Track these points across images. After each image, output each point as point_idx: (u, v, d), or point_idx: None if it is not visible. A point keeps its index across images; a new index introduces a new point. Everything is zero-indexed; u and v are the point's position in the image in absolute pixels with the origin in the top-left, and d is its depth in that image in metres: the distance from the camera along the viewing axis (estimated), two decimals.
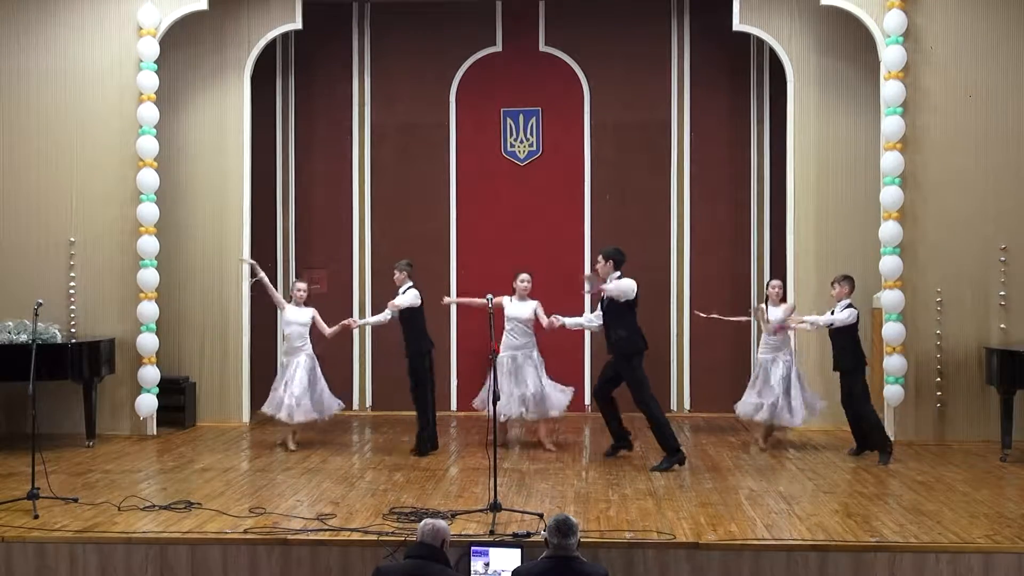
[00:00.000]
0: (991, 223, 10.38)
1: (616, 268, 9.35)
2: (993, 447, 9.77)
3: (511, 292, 10.08)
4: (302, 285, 10.28)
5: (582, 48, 12.59)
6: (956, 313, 10.41)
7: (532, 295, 10.12)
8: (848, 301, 9.49)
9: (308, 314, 10.12)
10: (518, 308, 9.99)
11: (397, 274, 10.01)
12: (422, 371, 9.83)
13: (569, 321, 9.92)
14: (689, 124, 12.49)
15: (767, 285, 10.42)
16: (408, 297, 9.82)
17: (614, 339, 9.31)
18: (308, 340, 10.07)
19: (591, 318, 9.90)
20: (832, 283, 9.69)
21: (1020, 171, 10.39)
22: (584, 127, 12.60)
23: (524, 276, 10.05)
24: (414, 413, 9.86)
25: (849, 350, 9.43)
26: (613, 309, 9.30)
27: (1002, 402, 9.68)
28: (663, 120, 12.50)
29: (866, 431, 9.47)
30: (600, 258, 9.42)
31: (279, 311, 10.36)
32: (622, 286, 9.17)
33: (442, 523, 6.01)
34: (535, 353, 10.00)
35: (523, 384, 9.87)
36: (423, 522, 6.03)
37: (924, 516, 7.35)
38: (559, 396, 9.97)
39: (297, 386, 9.85)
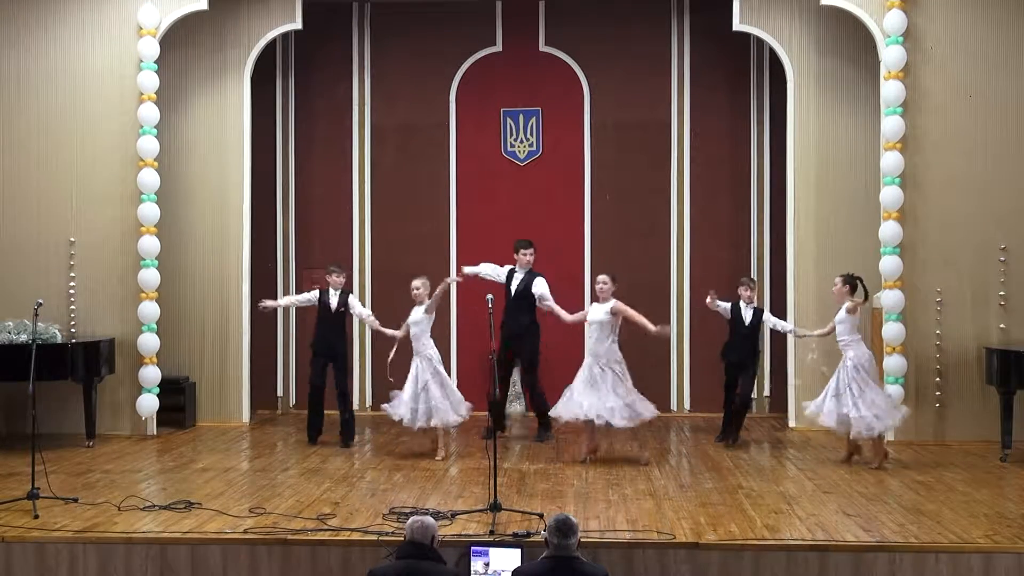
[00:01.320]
0: (991, 223, 10.38)
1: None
2: (993, 447, 9.77)
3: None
4: (418, 283, 9.80)
5: (582, 48, 12.59)
6: (956, 313, 10.41)
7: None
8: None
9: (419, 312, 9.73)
10: (595, 311, 9.47)
11: (420, 288, 9.78)
12: None
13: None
14: (689, 124, 12.48)
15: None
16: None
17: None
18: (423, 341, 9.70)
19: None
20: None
21: (1020, 171, 10.38)
22: (584, 127, 12.59)
23: (603, 277, 9.51)
24: None
25: None
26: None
27: (1002, 402, 9.67)
28: (663, 120, 12.50)
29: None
30: None
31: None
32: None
33: (430, 520, 5.99)
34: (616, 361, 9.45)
35: (609, 395, 9.27)
36: (411, 520, 6.00)
37: (924, 516, 7.35)
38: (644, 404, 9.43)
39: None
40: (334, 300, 10.24)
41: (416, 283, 9.76)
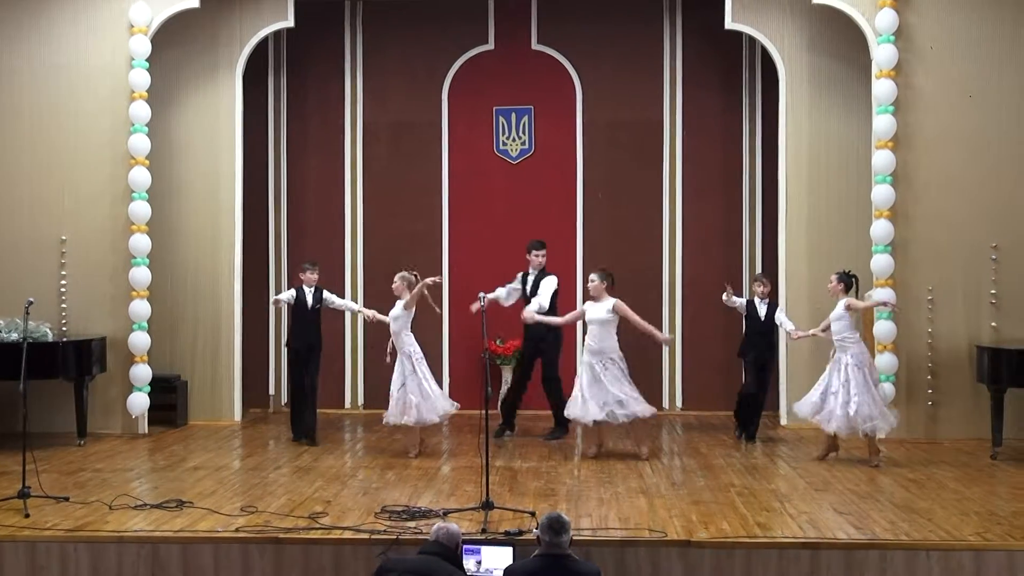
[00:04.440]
0: (982, 221, 10.40)
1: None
2: (984, 445, 9.79)
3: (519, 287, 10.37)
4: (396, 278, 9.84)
5: (574, 46, 12.58)
6: (947, 311, 10.43)
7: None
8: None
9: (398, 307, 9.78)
10: (594, 310, 9.57)
11: (398, 283, 9.86)
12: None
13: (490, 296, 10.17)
14: (681, 122, 12.48)
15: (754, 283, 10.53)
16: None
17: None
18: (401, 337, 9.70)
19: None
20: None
21: (1011, 170, 10.41)
22: (576, 125, 12.58)
23: (592, 276, 9.69)
24: None
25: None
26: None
27: (993, 400, 9.69)
28: (655, 118, 12.50)
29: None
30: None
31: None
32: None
33: (455, 527, 6.08)
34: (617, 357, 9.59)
35: (612, 390, 9.41)
36: (436, 526, 6.09)
37: (915, 514, 7.37)
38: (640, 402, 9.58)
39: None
40: (310, 297, 10.24)
41: (396, 278, 9.81)
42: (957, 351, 10.40)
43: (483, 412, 7.80)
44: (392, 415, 9.57)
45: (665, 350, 12.30)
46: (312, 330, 10.27)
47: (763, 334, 10.28)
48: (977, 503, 7.72)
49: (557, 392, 10.36)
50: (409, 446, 9.66)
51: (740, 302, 10.36)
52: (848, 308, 9.24)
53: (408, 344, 9.65)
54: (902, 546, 6.63)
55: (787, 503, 7.71)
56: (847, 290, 9.37)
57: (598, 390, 9.39)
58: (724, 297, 10.32)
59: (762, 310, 10.25)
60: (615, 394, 9.35)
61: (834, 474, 8.78)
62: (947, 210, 10.42)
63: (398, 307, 9.71)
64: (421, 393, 9.51)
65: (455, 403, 9.81)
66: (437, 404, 9.57)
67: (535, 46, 12.62)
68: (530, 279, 10.46)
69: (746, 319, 10.43)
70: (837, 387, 9.13)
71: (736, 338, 12.30)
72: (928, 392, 10.43)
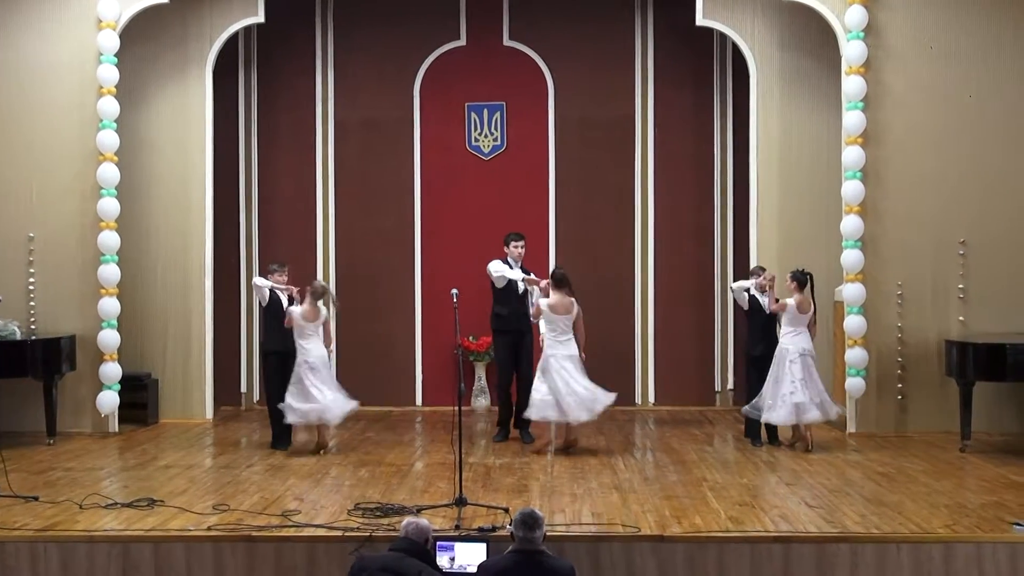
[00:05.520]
0: (951, 217, 10.49)
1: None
2: (953, 438, 9.88)
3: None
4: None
5: (546, 42, 12.57)
6: (916, 306, 10.52)
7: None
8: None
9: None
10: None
11: (279, 276, 9.81)
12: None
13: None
14: (653, 119, 12.50)
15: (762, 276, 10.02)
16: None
17: None
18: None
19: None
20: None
21: (980, 166, 10.50)
22: (548, 122, 12.59)
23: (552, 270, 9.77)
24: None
25: None
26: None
27: (961, 394, 9.77)
28: (627, 115, 12.52)
29: None
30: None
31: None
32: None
33: (425, 522, 6.06)
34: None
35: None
36: (406, 521, 6.08)
37: (885, 507, 7.43)
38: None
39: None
40: (284, 298, 9.86)
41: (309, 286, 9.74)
42: (926, 345, 10.49)
43: (456, 408, 7.79)
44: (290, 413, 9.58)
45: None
46: (288, 332, 9.99)
47: (769, 328, 9.90)
48: (946, 496, 7.80)
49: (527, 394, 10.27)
50: (306, 442, 9.77)
51: (742, 293, 9.90)
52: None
53: (305, 353, 9.56)
54: (873, 539, 6.69)
55: (759, 497, 7.76)
56: (801, 288, 9.60)
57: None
58: (735, 286, 10.12)
59: (765, 303, 9.80)
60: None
61: (805, 468, 8.83)
62: (916, 206, 10.50)
63: (295, 313, 9.58)
64: (306, 399, 9.47)
65: (353, 405, 9.73)
66: (326, 409, 9.54)
67: (507, 42, 12.61)
68: (518, 272, 10.17)
69: (749, 313, 9.98)
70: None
71: (708, 333, 12.41)
72: (898, 386, 10.51)
